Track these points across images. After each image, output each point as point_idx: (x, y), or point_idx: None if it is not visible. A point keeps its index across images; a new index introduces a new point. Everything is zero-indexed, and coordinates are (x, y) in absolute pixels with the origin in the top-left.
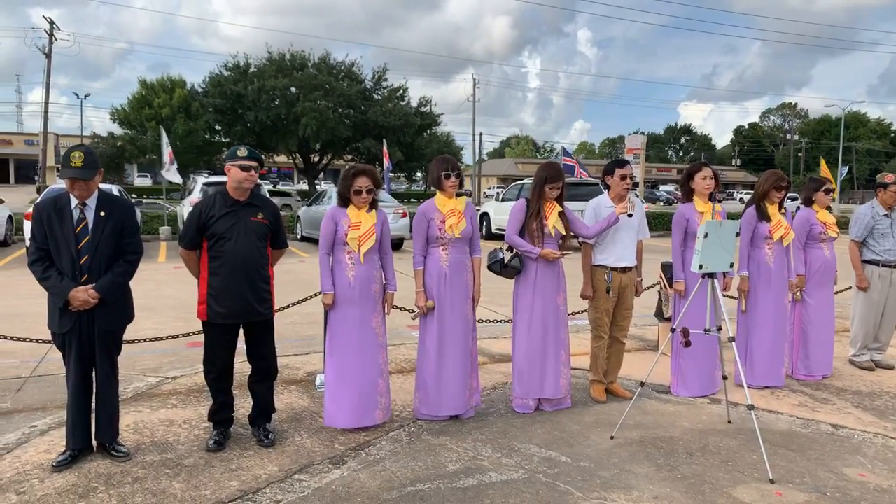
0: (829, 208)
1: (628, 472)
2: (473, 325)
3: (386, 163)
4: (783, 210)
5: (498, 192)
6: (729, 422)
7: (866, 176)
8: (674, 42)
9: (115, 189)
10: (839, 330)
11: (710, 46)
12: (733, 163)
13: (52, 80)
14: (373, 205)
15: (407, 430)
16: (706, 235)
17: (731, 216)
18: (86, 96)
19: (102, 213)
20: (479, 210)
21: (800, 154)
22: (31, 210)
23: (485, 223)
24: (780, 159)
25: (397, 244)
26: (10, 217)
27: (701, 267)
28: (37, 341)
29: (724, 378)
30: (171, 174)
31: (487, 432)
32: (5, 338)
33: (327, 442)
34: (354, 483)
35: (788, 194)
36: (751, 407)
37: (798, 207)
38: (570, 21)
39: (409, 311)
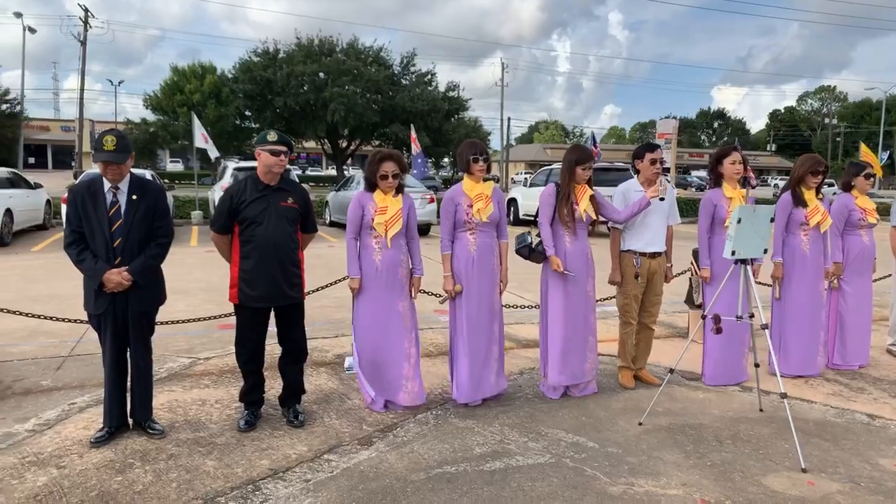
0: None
1: (656, 459)
2: (500, 309)
3: (416, 149)
4: (820, 196)
5: (526, 178)
6: (761, 410)
7: None
8: (707, 24)
9: (147, 174)
10: (877, 319)
11: (745, 28)
12: (768, 148)
13: (87, 67)
14: (399, 189)
15: (434, 413)
16: (739, 221)
17: (759, 202)
18: (120, 83)
19: (134, 197)
20: (506, 196)
21: (838, 139)
22: (67, 194)
23: (512, 209)
24: (818, 144)
25: (425, 230)
26: (48, 201)
27: (734, 253)
28: (75, 321)
29: (757, 366)
30: (210, 148)
31: (514, 416)
32: (46, 318)
33: (355, 423)
34: (382, 464)
35: (825, 180)
36: (784, 395)
37: (834, 193)
38: (600, 3)
39: (437, 295)
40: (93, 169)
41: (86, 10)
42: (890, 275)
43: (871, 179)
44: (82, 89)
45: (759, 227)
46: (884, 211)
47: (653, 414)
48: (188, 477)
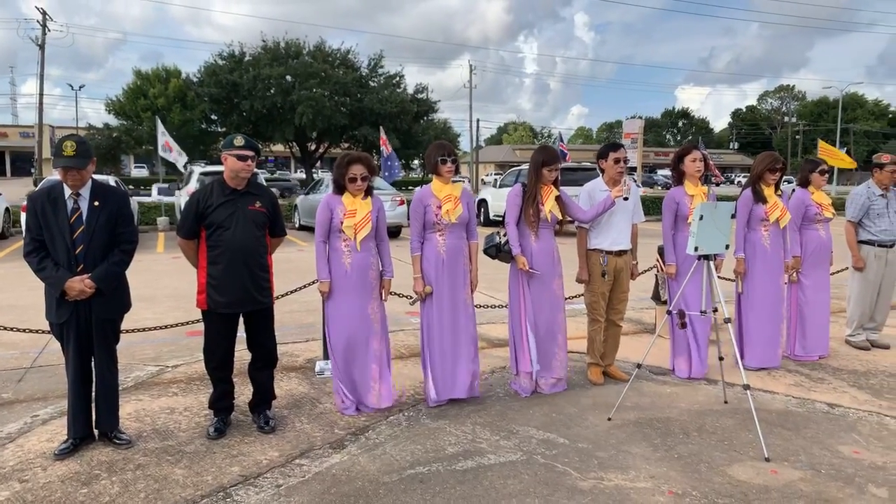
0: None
1: (625, 453)
2: (473, 310)
3: (386, 151)
4: (779, 192)
5: (496, 179)
6: (725, 402)
7: (864, 157)
8: (671, 25)
9: (111, 180)
10: (835, 311)
11: (707, 29)
12: (731, 146)
13: (46, 71)
14: (368, 192)
15: (406, 415)
16: (701, 217)
17: (722, 198)
18: (80, 87)
19: (96, 203)
20: (476, 197)
21: (797, 136)
22: (26, 202)
23: (482, 210)
24: (778, 142)
25: (395, 232)
26: (7, 209)
27: (696, 249)
28: (37, 332)
29: (721, 359)
30: (175, 159)
31: (486, 415)
32: (5, 329)
33: (327, 427)
34: (355, 467)
35: (784, 177)
36: (746, 387)
37: (793, 189)
38: (566, 4)
39: (407, 297)
40: (53, 175)
41: (43, 13)
42: (847, 268)
43: (826, 175)
44: (41, 94)
45: (721, 224)
46: (840, 206)
47: (621, 409)
48: (157, 486)
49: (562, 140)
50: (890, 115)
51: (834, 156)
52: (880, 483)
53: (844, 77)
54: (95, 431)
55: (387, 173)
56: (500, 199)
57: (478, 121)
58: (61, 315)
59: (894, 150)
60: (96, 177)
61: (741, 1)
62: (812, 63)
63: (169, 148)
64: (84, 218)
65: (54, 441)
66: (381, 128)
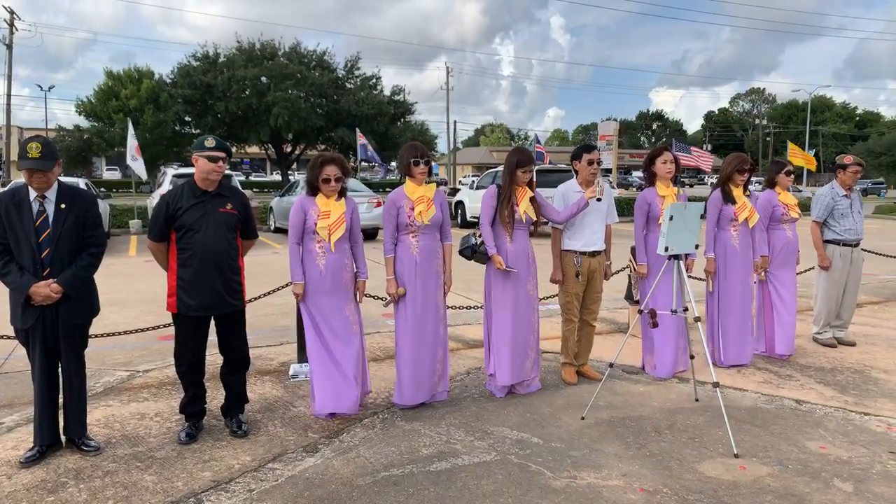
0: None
1: (598, 452)
2: (445, 312)
3: (368, 150)
4: (748, 192)
5: (472, 181)
6: (696, 400)
7: (832, 159)
8: (645, 29)
9: (81, 183)
10: (803, 309)
11: (680, 33)
12: (704, 148)
13: (14, 71)
14: (342, 193)
15: (381, 417)
16: (671, 218)
17: (693, 199)
18: (50, 88)
19: (63, 206)
20: (452, 200)
21: (768, 139)
22: None
23: (459, 211)
24: (750, 144)
25: (372, 234)
26: None
27: (667, 249)
28: (2, 338)
29: (692, 357)
30: (138, 168)
31: (460, 416)
32: None
33: (301, 430)
34: (328, 470)
35: (754, 179)
36: (716, 385)
37: (762, 190)
38: (541, 7)
39: (381, 299)
40: (21, 178)
41: (11, 12)
42: (813, 267)
43: (792, 176)
44: (9, 95)
45: (690, 224)
46: (806, 207)
47: (595, 408)
48: (125, 493)
49: (538, 142)
50: (856, 118)
51: (801, 156)
52: (846, 477)
53: (813, 80)
54: (63, 438)
55: (377, 165)
56: (476, 201)
57: (455, 122)
58: (27, 320)
59: (861, 153)
60: (66, 179)
61: (713, 5)
62: (782, 66)
63: (130, 155)
64: (50, 221)
65: (20, 449)
66: (356, 129)
